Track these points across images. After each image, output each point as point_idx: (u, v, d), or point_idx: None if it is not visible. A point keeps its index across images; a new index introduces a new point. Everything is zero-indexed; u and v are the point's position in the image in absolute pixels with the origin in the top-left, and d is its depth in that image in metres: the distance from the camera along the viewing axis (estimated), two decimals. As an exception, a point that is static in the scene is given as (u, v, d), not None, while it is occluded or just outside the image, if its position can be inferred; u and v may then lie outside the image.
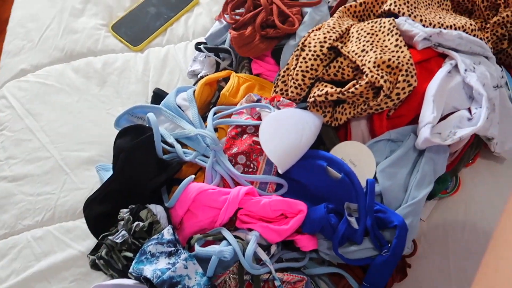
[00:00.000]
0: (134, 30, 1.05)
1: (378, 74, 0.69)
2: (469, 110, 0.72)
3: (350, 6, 0.84)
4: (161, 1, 1.09)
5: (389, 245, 0.66)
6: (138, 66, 0.99)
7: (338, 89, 0.72)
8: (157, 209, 0.73)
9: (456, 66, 0.74)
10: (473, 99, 0.72)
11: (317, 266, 0.74)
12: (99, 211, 0.74)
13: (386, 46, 0.74)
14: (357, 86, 0.70)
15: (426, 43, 0.75)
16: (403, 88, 0.70)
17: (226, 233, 0.68)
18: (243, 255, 0.65)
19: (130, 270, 0.67)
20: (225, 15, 0.88)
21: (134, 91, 0.96)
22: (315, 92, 0.74)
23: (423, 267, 0.76)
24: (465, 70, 0.72)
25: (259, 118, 0.75)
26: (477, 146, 0.80)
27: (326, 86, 0.74)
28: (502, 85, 0.78)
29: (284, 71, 0.79)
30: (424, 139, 0.67)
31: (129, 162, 0.72)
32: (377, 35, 0.76)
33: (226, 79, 0.85)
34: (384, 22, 0.76)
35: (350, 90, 0.71)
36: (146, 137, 0.72)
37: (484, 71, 0.74)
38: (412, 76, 0.70)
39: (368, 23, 0.78)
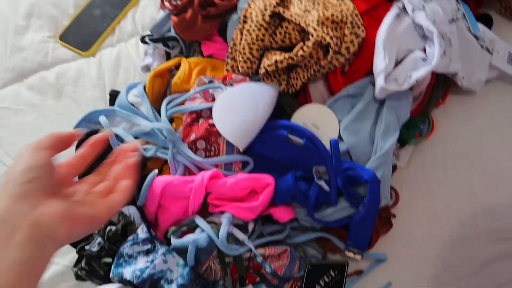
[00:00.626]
0: (82, 36, 1.02)
1: (323, 32, 0.67)
2: (425, 50, 0.70)
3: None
4: (104, 1, 1.06)
5: (365, 200, 0.65)
6: (92, 71, 0.97)
7: (287, 55, 0.69)
8: (130, 210, 0.72)
9: (404, 8, 0.71)
10: (427, 38, 0.70)
11: (300, 234, 0.73)
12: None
13: (328, 2, 0.71)
14: (305, 48, 0.68)
15: (370, -10, 0.72)
16: (352, 41, 0.68)
17: (199, 220, 0.67)
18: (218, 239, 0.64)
19: (111, 275, 0.66)
20: (165, 2, 0.85)
21: (92, 97, 0.94)
22: (265, 63, 0.72)
23: (408, 214, 0.76)
24: (413, 10, 0.69)
25: (214, 100, 0.73)
26: (444, 85, 0.78)
27: (275, 54, 0.72)
28: (458, 18, 0.76)
29: (231, 47, 0.77)
30: (380, 88, 0.66)
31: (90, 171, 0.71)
32: (317, -8, 0.73)
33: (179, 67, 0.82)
34: (322, -23, 0.73)
35: (299, 54, 0.68)
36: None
37: (435, 7, 0.71)
38: (358, 27, 0.68)
39: (307, -19, 0.75)
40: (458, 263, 0.72)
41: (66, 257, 0.79)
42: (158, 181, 0.68)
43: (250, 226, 0.68)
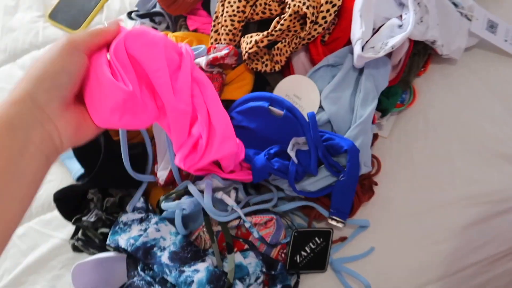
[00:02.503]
0: (72, 14, 1.03)
1: (300, 2, 0.68)
2: (401, 17, 0.71)
3: None
4: (92, -22, 1.06)
5: (346, 169, 0.67)
6: (82, 50, 0.98)
7: (265, 33, 0.70)
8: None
9: (381, -25, 0.71)
10: (404, 5, 0.71)
11: (286, 203, 0.76)
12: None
13: (305, -28, 0.72)
14: (282, 21, 0.69)
15: (347, -41, 0.72)
16: (328, 10, 0.69)
17: (190, 186, 0.69)
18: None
19: (107, 242, 0.69)
20: (150, -22, 0.86)
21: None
22: (245, 47, 0.72)
23: (390, 182, 0.78)
24: (389, -23, 0.70)
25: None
26: (425, 53, 0.79)
27: (251, 36, 0.72)
28: (436, -16, 0.76)
29: (214, 20, 0.78)
30: (357, 56, 0.67)
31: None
32: (296, -38, 0.73)
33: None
34: None
35: (277, 28, 0.69)
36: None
37: (412, -26, 0.72)
38: (334, -4, 0.68)
39: (286, -48, 0.75)
40: (437, 228, 0.74)
41: (63, 230, 0.83)
42: None
43: (232, 195, 0.70)
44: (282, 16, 0.69)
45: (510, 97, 0.79)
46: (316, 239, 0.75)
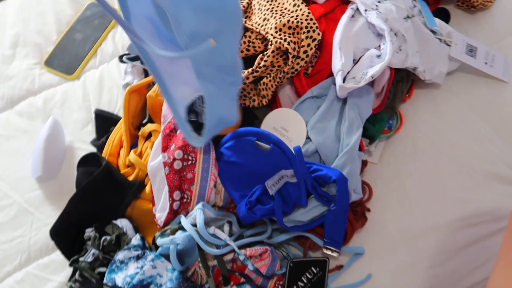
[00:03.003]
0: (67, 60, 1.06)
1: (281, 38, 0.70)
2: (380, 48, 0.73)
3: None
4: (85, 25, 1.10)
5: (336, 199, 0.68)
6: (77, 94, 1.01)
7: (250, 70, 0.73)
8: (122, 223, 0.76)
9: (358, 9, 0.74)
10: (382, 36, 0.73)
11: (281, 234, 0.76)
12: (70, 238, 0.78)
13: (286, 9, 0.75)
14: (265, 58, 0.71)
15: (325, -5, 0.76)
16: (309, 45, 0.71)
17: (183, 220, 0.69)
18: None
19: (104, 281, 0.69)
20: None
21: (78, 119, 0.98)
22: None
23: (383, 207, 0.78)
24: (365, 10, 0.72)
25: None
26: (408, 80, 0.81)
27: None
28: (414, 14, 0.79)
29: (201, 60, 0.80)
30: (339, 87, 0.69)
31: (88, 198, 0.76)
32: (276, 1, 0.77)
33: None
34: (280, -14, 0.77)
35: (261, 64, 0.72)
36: (101, 171, 0.74)
37: (389, 6, 0.75)
38: (314, 31, 0.71)
39: (266, -9, 0.79)
40: (432, 251, 0.74)
41: (61, 274, 0.83)
42: None
43: (226, 229, 0.71)
44: (266, 52, 0.72)
45: (494, 116, 0.81)
46: (313, 268, 0.75)
